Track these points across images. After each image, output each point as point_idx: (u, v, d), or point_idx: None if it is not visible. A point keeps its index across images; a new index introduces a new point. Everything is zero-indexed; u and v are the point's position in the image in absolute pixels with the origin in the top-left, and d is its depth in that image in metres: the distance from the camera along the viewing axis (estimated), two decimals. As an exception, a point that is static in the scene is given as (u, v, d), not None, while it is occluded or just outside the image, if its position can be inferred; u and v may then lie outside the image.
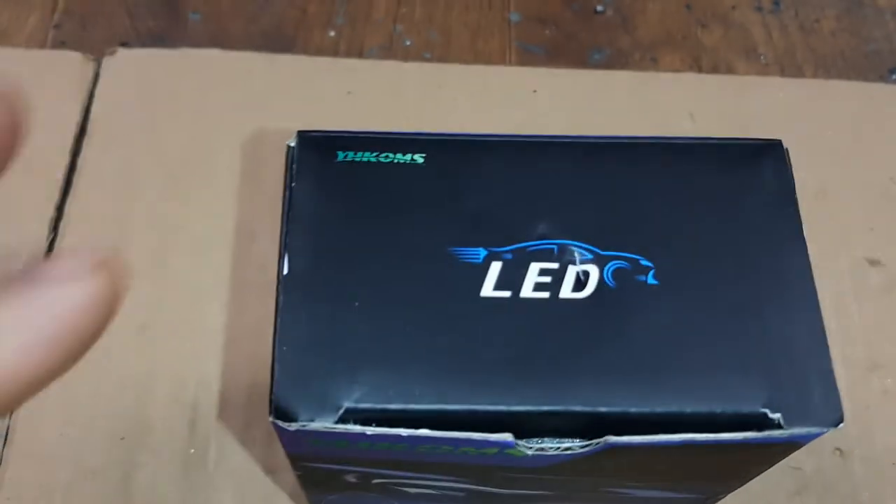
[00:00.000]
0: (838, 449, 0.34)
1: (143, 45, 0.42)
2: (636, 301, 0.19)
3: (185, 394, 0.34)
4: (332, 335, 0.19)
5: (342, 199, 0.20)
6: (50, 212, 0.37)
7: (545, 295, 0.19)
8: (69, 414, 0.33)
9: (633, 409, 0.18)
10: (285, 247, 0.20)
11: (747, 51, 0.43)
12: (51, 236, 0.37)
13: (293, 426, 0.18)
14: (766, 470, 0.21)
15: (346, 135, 0.21)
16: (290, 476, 0.32)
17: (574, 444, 0.19)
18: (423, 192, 0.20)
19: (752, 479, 0.22)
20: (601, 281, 0.19)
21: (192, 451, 0.33)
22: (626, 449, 0.19)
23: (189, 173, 0.39)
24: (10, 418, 0.33)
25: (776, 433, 0.18)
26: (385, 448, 0.19)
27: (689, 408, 0.18)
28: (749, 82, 0.42)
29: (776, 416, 0.18)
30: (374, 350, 0.18)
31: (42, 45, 0.42)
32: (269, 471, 0.33)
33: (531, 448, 0.19)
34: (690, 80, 0.42)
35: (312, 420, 0.18)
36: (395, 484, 0.23)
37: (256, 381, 0.34)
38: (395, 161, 0.21)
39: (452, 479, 0.22)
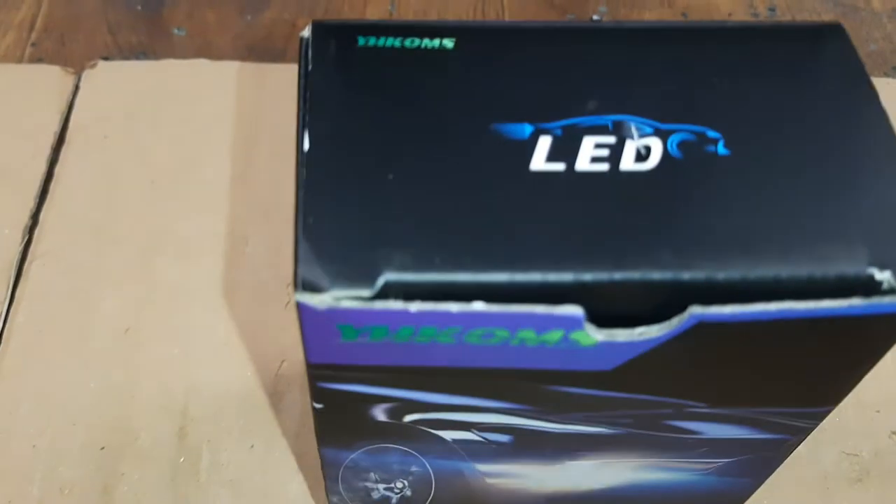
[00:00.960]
0: (895, 433, 0.31)
1: (126, 59, 0.41)
2: (709, 171, 0.17)
3: (173, 400, 0.30)
4: (365, 205, 0.16)
5: (366, 83, 0.18)
6: (25, 219, 0.35)
7: (604, 168, 0.17)
8: (42, 425, 0.30)
9: (720, 276, 0.16)
10: (304, 126, 0.17)
11: (747, 52, 0.43)
12: (24, 241, 0.34)
13: (324, 301, 0.15)
14: (865, 373, 0.18)
15: (365, 22, 0.19)
16: (291, 485, 0.29)
17: (650, 329, 0.16)
18: (456, 76, 0.18)
19: (850, 388, 0.19)
20: (665, 153, 0.17)
21: (182, 459, 0.29)
22: (712, 335, 0.16)
23: (175, 180, 0.36)
24: (-27, 432, 0.29)
25: (886, 299, 0.16)
26: (430, 338, 0.16)
27: (784, 272, 0.16)
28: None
29: (885, 275, 0.16)
30: (414, 219, 0.16)
31: (19, 62, 0.40)
32: (268, 481, 0.29)
33: (600, 333, 0.16)
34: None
35: (347, 289, 0.15)
36: (431, 423, 0.19)
37: (251, 387, 0.31)
38: (423, 46, 0.19)
39: (497, 405, 0.19)
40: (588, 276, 0.15)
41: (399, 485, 0.23)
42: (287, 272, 0.34)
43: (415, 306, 0.15)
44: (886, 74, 0.42)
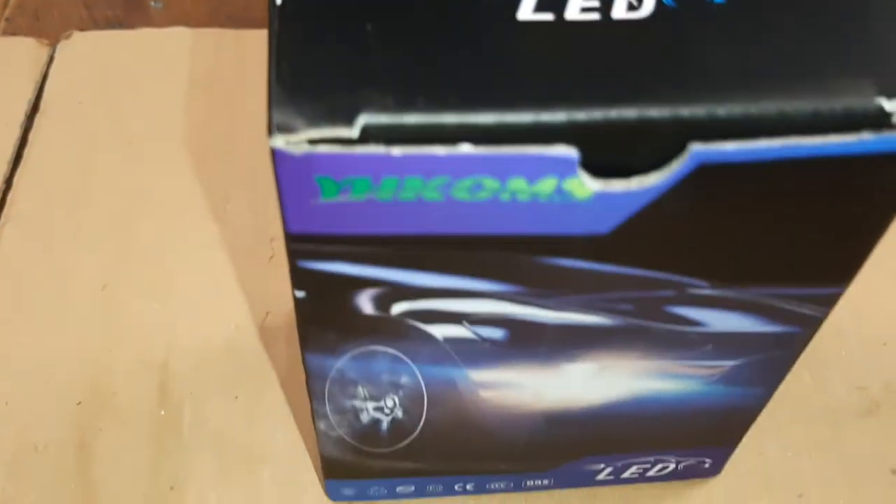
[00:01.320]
0: (903, 365, 0.30)
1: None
2: (705, 15, 0.16)
3: (153, 355, 0.29)
4: (342, 50, 0.15)
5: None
6: (-4, 184, 0.33)
7: (595, 17, 0.16)
8: (15, 383, 0.28)
9: (722, 111, 0.15)
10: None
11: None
12: (1, 193, 0.33)
13: (300, 144, 0.14)
14: (877, 237, 0.17)
15: None
16: (277, 436, 0.27)
17: (649, 177, 0.15)
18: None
19: (861, 260, 0.18)
20: (658, 1, 0.16)
21: (163, 413, 0.28)
22: (715, 182, 0.15)
23: (153, 144, 0.35)
24: (-57, 392, 0.28)
25: (890, 136, 0.15)
26: (415, 193, 0.15)
27: (789, 107, 0.15)
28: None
29: (892, 103, 0.15)
30: (395, 61, 0.15)
31: (-8, 38, 0.40)
32: (254, 432, 0.28)
33: (596, 183, 0.15)
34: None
35: (324, 129, 0.14)
36: (420, 316, 0.18)
37: (234, 340, 0.30)
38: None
39: (489, 286, 0.17)
40: (582, 115, 0.14)
41: (389, 403, 0.21)
42: (271, 229, 0.32)
43: (398, 150, 0.14)
44: None
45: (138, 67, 0.38)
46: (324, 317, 0.18)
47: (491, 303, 0.18)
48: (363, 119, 0.14)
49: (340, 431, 0.22)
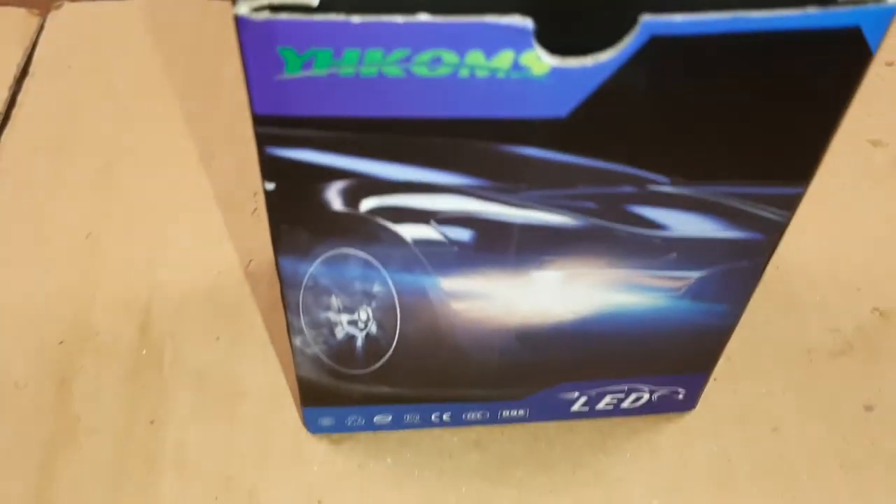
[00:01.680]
0: (877, 309, 0.30)
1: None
2: None
3: (136, 298, 0.29)
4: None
5: None
6: (-16, 141, 0.34)
7: None
8: (-3, 324, 0.29)
9: (671, -16, 0.15)
10: None
11: None
12: (-16, 159, 0.33)
13: (262, 10, 0.14)
14: (831, 130, 0.18)
15: None
16: (257, 373, 0.28)
17: (603, 54, 0.16)
18: None
19: (817, 157, 0.18)
20: None
21: (144, 352, 0.28)
22: (668, 58, 0.16)
23: (140, 103, 0.36)
24: (-74, 332, 0.28)
25: (842, 8, 0.15)
26: (377, 68, 0.15)
27: (737, -18, 0.15)
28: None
29: (839, -22, 0.15)
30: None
31: (-17, 8, 0.40)
32: (234, 370, 0.28)
33: (552, 59, 0.15)
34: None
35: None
36: (389, 214, 0.19)
37: (217, 285, 0.30)
38: None
39: (453, 180, 0.18)
40: (534, -14, 0.15)
41: (363, 315, 0.22)
42: (254, 184, 0.33)
43: (358, 18, 0.15)
44: None
45: (126, 35, 0.39)
46: (294, 213, 0.19)
47: (456, 199, 0.19)
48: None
49: (316, 349, 0.23)
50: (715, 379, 0.28)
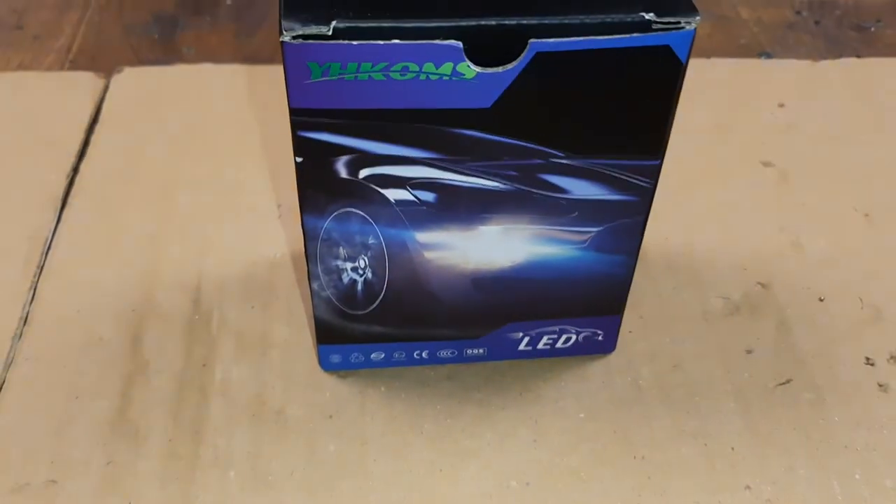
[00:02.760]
0: (759, 283, 0.39)
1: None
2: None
3: (189, 280, 0.38)
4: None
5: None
6: (67, 169, 0.43)
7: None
8: (84, 299, 0.37)
9: (549, 21, 0.25)
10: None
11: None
12: (67, 184, 0.43)
13: (297, 37, 0.24)
14: (665, 119, 0.27)
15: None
16: (282, 330, 0.36)
17: (509, 65, 0.25)
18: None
19: (661, 138, 0.27)
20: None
21: (197, 317, 0.37)
22: (549, 65, 0.25)
23: (188, 144, 0.45)
24: (31, 304, 0.37)
25: (651, 33, 0.25)
26: (367, 74, 0.25)
27: (589, 19, 0.25)
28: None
29: (650, 16, 0.25)
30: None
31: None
32: (265, 329, 0.37)
33: (477, 67, 0.25)
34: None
35: (312, 29, 0.24)
36: (378, 180, 0.28)
37: (253, 271, 0.39)
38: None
39: (419, 153, 0.27)
40: (465, 22, 0.25)
41: (362, 263, 0.31)
42: (277, 198, 0.42)
43: (356, 42, 0.24)
44: (759, 55, 0.52)
45: (175, 92, 0.49)
46: (314, 180, 0.28)
47: (423, 169, 0.28)
48: (334, 24, 0.24)
49: (329, 292, 0.32)
50: (630, 332, 0.36)
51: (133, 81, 0.49)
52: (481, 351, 0.35)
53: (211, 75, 0.50)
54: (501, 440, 0.33)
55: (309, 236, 0.30)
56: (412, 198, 0.29)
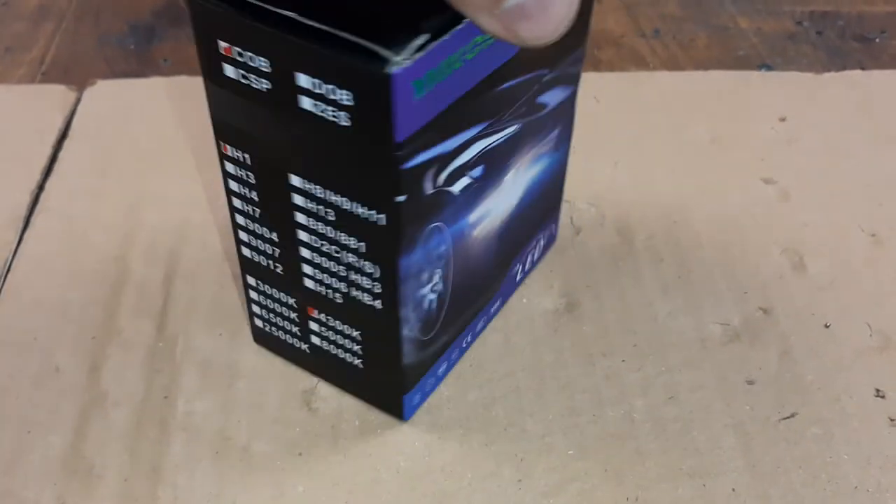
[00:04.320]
0: (761, 308, 0.37)
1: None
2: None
3: (154, 305, 0.36)
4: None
5: None
6: (32, 186, 0.41)
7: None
8: (40, 323, 0.35)
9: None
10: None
11: (637, 61, 0.51)
12: (32, 201, 0.40)
13: (401, 62, 0.20)
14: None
15: None
16: (250, 358, 0.34)
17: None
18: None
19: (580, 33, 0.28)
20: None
21: (160, 344, 0.35)
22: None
23: (159, 158, 0.43)
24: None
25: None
26: (451, 66, 0.22)
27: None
28: (641, 77, 0.49)
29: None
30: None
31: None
32: (231, 357, 0.34)
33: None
34: (592, 77, 0.49)
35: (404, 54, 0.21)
36: (449, 179, 0.25)
37: (221, 297, 0.37)
38: None
39: (479, 128, 0.26)
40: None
41: (436, 278, 0.27)
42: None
43: (447, 36, 0.22)
44: (759, 67, 0.50)
45: (149, 105, 0.46)
46: (412, 213, 0.24)
47: (476, 146, 0.26)
48: (417, 40, 0.21)
49: (415, 329, 0.28)
50: (623, 361, 0.34)
51: (106, 94, 0.47)
52: (498, 304, 0.34)
53: (187, 87, 0.48)
54: (483, 480, 0.31)
55: (405, 279, 0.26)
56: (469, 181, 0.27)
